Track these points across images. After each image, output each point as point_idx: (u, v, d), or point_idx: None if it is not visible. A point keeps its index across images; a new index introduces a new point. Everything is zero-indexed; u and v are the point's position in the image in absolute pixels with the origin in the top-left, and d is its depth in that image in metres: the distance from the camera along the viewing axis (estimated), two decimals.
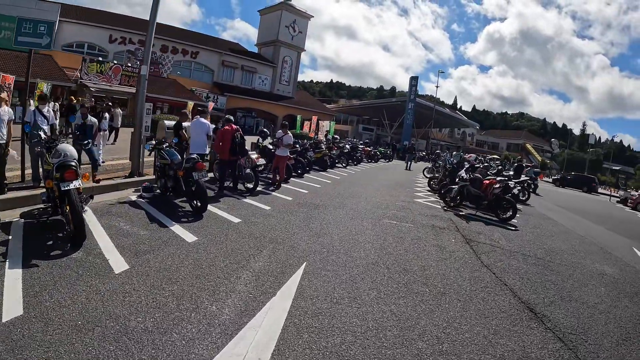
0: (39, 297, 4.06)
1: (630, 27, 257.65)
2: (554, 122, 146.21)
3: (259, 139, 15.06)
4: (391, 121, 70.99)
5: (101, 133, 13.72)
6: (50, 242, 5.77)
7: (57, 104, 19.73)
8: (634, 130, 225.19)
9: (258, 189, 11.51)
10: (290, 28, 58.38)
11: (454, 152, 21.56)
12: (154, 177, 10.36)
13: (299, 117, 38.75)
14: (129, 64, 36.11)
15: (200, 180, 8.15)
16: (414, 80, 63.77)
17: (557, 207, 19.92)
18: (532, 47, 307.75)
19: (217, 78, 52.36)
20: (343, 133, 64.14)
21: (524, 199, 17.74)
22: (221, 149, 10.48)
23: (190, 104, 27.47)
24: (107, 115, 14.78)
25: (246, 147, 11.08)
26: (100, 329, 3.60)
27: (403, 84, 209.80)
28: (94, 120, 10.58)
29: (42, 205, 6.87)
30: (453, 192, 12.84)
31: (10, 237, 5.75)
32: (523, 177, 18.95)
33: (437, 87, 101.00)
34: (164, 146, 9.53)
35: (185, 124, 11.20)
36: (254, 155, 11.43)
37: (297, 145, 17.73)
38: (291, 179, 14.42)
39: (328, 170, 19.72)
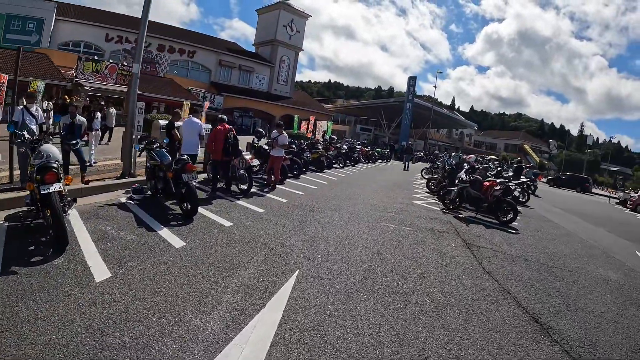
0: (14, 308, 3.80)
1: (629, 28, 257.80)
2: (552, 123, 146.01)
3: (254, 139, 14.78)
4: (389, 121, 70.75)
5: (93, 133, 13.41)
6: (32, 247, 5.48)
7: (50, 103, 19.44)
8: (632, 131, 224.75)
9: (252, 190, 11.21)
10: (288, 27, 58.09)
11: (453, 153, 21.28)
12: (145, 178, 10.05)
13: (296, 117, 38.45)
14: (125, 63, 35.73)
15: (190, 182, 7.83)
16: (412, 81, 63.60)
17: (556, 208, 19.67)
18: (530, 48, 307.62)
19: (214, 77, 52.05)
20: (341, 133, 63.76)
21: (523, 200, 17.49)
22: (214, 149, 10.17)
23: (187, 103, 27.33)
24: (99, 114, 14.46)
25: (240, 147, 10.76)
26: (74, 345, 3.32)
27: (401, 84, 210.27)
28: (83, 119, 10.24)
29: (26, 208, 6.57)
30: (452, 194, 12.55)
31: None
32: (523, 179, 18.71)
33: (435, 87, 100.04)
34: (155, 146, 9.22)
35: (177, 123, 10.90)
36: (247, 155, 11.10)
37: (293, 146, 17.43)
38: (287, 180, 14.12)
39: (325, 171, 19.39)
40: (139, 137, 10.49)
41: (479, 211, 12.20)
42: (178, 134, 10.67)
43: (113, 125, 18.98)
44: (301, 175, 15.97)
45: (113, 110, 18.93)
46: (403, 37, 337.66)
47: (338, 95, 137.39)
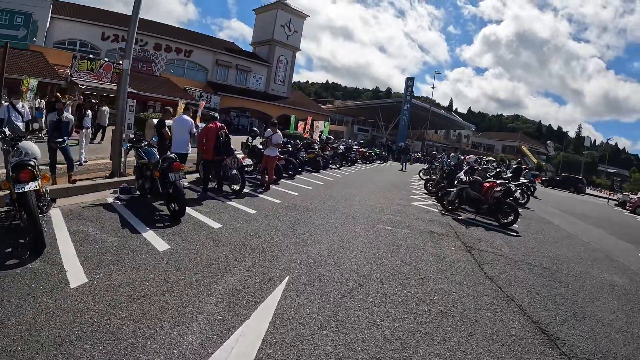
0: None
1: (626, 30, 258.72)
2: (549, 125, 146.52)
3: (248, 138, 14.44)
4: (387, 122, 70.46)
5: (83, 131, 13.08)
6: (9, 250, 5.15)
7: (43, 101, 19.08)
8: (629, 133, 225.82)
9: (245, 190, 10.85)
10: (286, 27, 57.79)
11: (452, 154, 20.93)
12: (134, 177, 9.69)
13: (293, 117, 38.08)
14: (121, 62, 35.22)
15: (177, 181, 7.46)
16: (410, 81, 63.19)
17: (556, 210, 19.36)
18: (528, 49, 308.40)
19: (211, 77, 51.73)
20: (338, 134, 63.39)
21: (523, 202, 17.17)
22: (205, 148, 9.81)
23: (182, 102, 26.96)
24: (89, 112, 14.12)
25: (232, 146, 10.40)
26: (39, 358, 2.99)
27: (399, 86, 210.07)
28: (70, 117, 9.86)
29: (6, 208, 6.26)
30: (451, 195, 12.20)
31: None
32: (522, 180, 18.40)
33: (433, 88, 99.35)
34: (143, 145, 8.86)
35: (168, 122, 10.54)
36: (240, 154, 10.75)
37: (289, 145, 17.08)
38: (281, 180, 13.73)
39: (321, 171, 19.05)
40: (130, 136, 10.14)
41: (478, 213, 11.86)
42: (169, 133, 10.30)
43: (106, 124, 18.62)
44: (296, 176, 15.60)
45: (106, 108, 18.57)
46: (401, 38, 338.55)
47: (336, 96, 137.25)
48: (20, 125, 8.77)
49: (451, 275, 6.28)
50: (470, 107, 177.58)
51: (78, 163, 11.82)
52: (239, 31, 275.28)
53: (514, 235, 10.38)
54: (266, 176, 12.06)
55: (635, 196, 30.57)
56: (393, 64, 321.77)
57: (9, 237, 5.58)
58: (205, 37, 57.80)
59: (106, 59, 34.90)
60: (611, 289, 7.05)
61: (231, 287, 4.70)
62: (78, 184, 9.18)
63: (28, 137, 6.50)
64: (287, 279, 5.16)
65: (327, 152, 21.72)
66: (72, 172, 9.44)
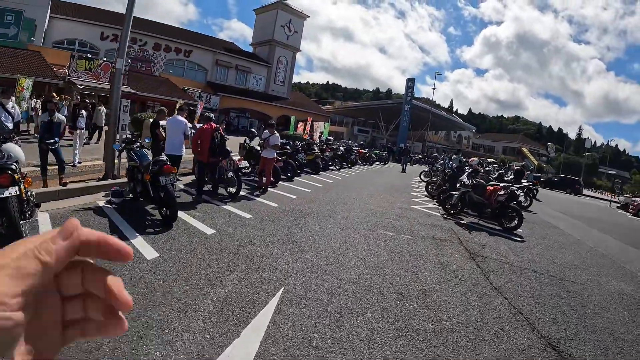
0: None
1: (627, 32, 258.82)
2: (550, 126, 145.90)
3: (245, 139, 14.13)
4: (387, 123, 70.16)
5: (78, 132, 12.77)
6: None
7: (39, 100, 18.81)
8: (629, 134, 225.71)
9: (242, 193, 10.55)
10: (286, 28, 57.51)
11: (453, 156, 20.50)
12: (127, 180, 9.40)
13: (292, 118, 37.76)
14: None
15: (168, 185, 7.14)
16: (410, 82, 62.92)
17: (559, 213, 19.03)
18: (529, 51, 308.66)
19: (210, 77, 51.44)
20: (338, 135, 63.15)
21: (526, 205, 16.87)
22: (200, 149, 9.49)
23: (180, 102, 26.65)
24: (83, 112, 13.80)
25: (228, 148, 10.10)
26: None
27: (399, 87, 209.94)
28: (62, 117, 9.56)
29: None
30: (454, 198, 11.88)
31: None
32: (524, 182, 18.10)
33: (434, 89, 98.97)
34: (135, 146, 8.55)
35: (163, 122, 10.24)
36: (236, 156, 10.44)
37: (287, 147, 16.76)
38: (279, 182, 13.41)
39: (320, 173, 18.72)
40: (124, 136, 9.84)
41: (481, 217, 11.56)
42: (163, 134, 10.00)
43: (103, 124, 18.31)
44: (295, 178, 15.28)
45: (103, 108, 18.25)
46: (401, 39, 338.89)
47: (336, 97, 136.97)
48: (10, 125, 8.47)
49: (455, 286, 5.97)
50: (470, 109, 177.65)
51: (72, 164, 11.57)
52: (239, 32, 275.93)
53: (518, 241, 10.08)
54: (264, 178, 11.74)
55: (638, 199, 30.29)
56: (393, 65, 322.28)
57: None
58: (205, 37, 57.52)
59: (104, 59, 34.59)
60: (620, 298, 6.75)
61: (221, 301, 4.39)
62: (69, 186, 8.88)
63: (15, 138, 6.23)
64: (281, 291, 4.84)
65: (327, 154, 21.43)
66: (64, 175, 9.16)
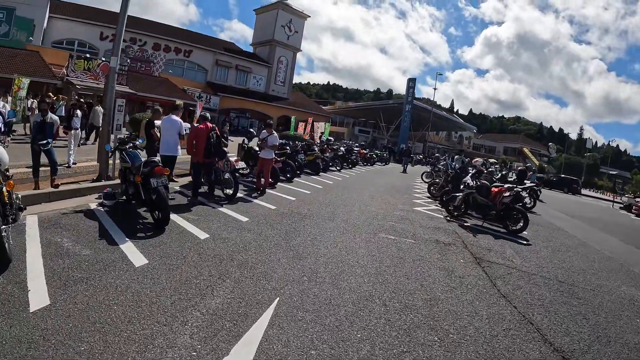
0: None
1: (628, 32, 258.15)
2: (551, 127, 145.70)
3: (244, 139, 13.84)
4: (388, 124, 69.90)
5: (72, 132, 12.48)
6: None
7: (35, 100, 18.54)
8: (630, 134, 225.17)
9: (239, 195, 10.25)
10: (286, 28, 57.28)
11: (456, 156, 20.15)
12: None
13: (293, 118, 37.50)
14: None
15: (159, 187, 6.83)
16: (411, 82, 62.63)
17: (562, 214, 18.72)
18: (529, 51, 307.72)
19: (210, 77, 51.25)
20: (339, 135, 62.91)
21: (530, 206, 16.53)
22: (195, 149, 9.17)
23: (179, 102, 26.35)
24: (78, 112, 13.51)
25: (225, 149, 9.79)
26: None
27: (400, 87, 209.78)
28: (55, 117, 9.24)
29: None
30: (457, 200, 11.55)
31: None
32: (528, 183, 17.76)
33: (435, 89, 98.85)
34: (127, 146, 8.24)
35: (157, 122, 9.94)
36: (233, 157, 10.13)
37: (287, 147, 16.45)
38: (278, 184, 13.11)
39: (321, 174, 18.41)
40: (119, 137, 9.55)
41: (486, 219, 11.24)
42: (158, 134, 9.69)
43: (100, 124, 18.00)
44: (295, 179, 14.97)
45: (100, 108, 17.90)
46: (402, 39, 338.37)
47: (337, 97, 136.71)
48: (1, 125, 8.19)
49: (462, 294, 5.64)
50: (471, 109, 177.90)
51: (66, 165, 11.33)
52: (240, 32, 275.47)
53: (524, 244, 9.75)
54: (262, 180, 11.44)
55: None
56: (394, 65, 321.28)
57: None
58: (205, 37, 57.31)
59: (103, 59, 34.33)
60: (631, 304, 6.45)
61: (211, 313, 4.07)
62: (62, 188, 8.64)
63: (1, 139, 5.95)
64: (276, 301, 4.52)
65: (327, 154, 21.12)
66: (56, 176, 8.87)
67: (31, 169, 8.75)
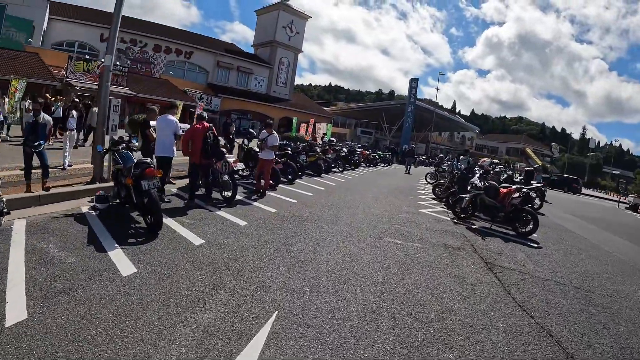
0: None
1: (629, 31, 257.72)
2: (553, 127, 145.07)
3: (243, 140, 13.47)
4: (390, 124, 69.57)
5: (67, 133, 12.13)
6: None
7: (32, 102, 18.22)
8: (632, 134, 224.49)
9: (238, 197, 9.88)
10: (288, 29, 57.10)
11: (461, 157, 19.69)
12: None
13: (294, 119, 37.20)
14: (118, 63, 34.61)
15: (151, 190, 6.45)
16: (413, 82, 62.19)
17: (569, 215, 18.32)
18: (531, 51, 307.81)
19: (211, 79, 51.04)
20: (341, 136, 62.58)
21: (537, 207, 16.13)
22: (191, 150, 8.78)
23: (179, 103, 26.05)
24: (74, 113, 13.14)
25: (222, 149, 9.40)
26: None
27: (402, 88, 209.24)
28: (48, 118, 8.86)
29: None
30: (464, 202, 11.14)
31: None
32: (534, 184, 17.36)
33: (437, 89, 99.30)
34: (120, 147, 7.86)
35: (153, 122, 9.56)
36: (231, 158, 9.75)
37: (288, 148, 16.07)
38: (279, 185, 12.70)
39: (323, 175, 17.99)
40: (118, 138, 9.17)
41: (494, 221, 10.84)
42: (154, 134, 9.31)
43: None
44: (296, 180, 14.56)
45: (97, 109, 17.63)
46: (404, 40, 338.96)
47: (339, 99, 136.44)
48: None
49: (475, 303, 5.23)
50: (473, 109, 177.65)
51: (62, 167, 10.98)
52: (241, 34, 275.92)
53: (534, 247, 9.36)
54: (262, 181, 11.05)
55: None
56: (396, 66, 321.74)
57: None
58: (206, 38, 57.11)
59: (102, 60, 34.05)
60: None
61: (201, 330, 3.67)
62: (53, 191, 8.29)
63: None
64: (274, 316, 4.12)
65: (329, 155, 20.70)
66: (47, 179, 8.50)
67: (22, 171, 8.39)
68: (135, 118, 10.32)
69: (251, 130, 14.88)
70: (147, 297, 4.22)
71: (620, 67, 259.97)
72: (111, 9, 10.21)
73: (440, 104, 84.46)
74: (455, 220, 11.16)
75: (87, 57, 33.27)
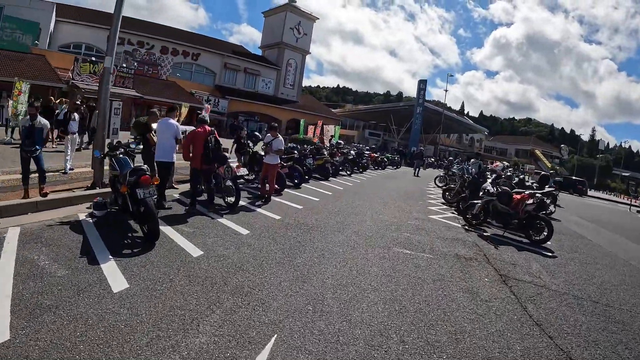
0: None
1: (638, 31, 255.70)
2: (562, 128, 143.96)
3: (248, 143, 13.17)
4: (398, 126, 69.21)
5: (69, 137, 11.89)
6: None
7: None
8: None
9: (242, 203, 9.60)
10: (295, 30, 56.94)
11: (472, 160, 19.20)
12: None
13: (302, 121, 36.92)
14: (124, 65, 34.54)
15: (147, 198, 6.14)
16: (422, 84, 61.75)
17: (581, 219, 17.84)
18: (539, 52, 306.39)
19: (218, 81, 50.94)
20: (349, 138, 62.32)
21: (550, 212, 15.71)
22: (192, 155, 8.46)
23: (185, 106, 25.81)
24: (75, 115, 12.91)
25: (225, 154, 9.10)
26: None
27: (410, 90, 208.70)
28: (45, 122, 8.59)
29: None
30: (476, 208, 10.76)
31: None
32: (547, 188, 16.95)
33: (446, 91, 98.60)
34: (118, 152, 7.57)
35: (154, 126, 9.28)
36: (234, 163, 9.44)
37: (295, 151, 15.75)
38: (285, 190, 12.40)
39: (330, 179, 17.67)
40: (115, 142, 8.90)
41: (507, 228, 10.46)
42: (154, 138, 9.01)
43: None
44: (303, 185, 14.23)
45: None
46: (411, 42, 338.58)
47: (347, 101, 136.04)
48: None
49: (490, 323, 4.87)
50: (482, 111, 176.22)
51: (63, 171, 10.75)
52: (249, 36, 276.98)
53: (549, 256, 8.97)
54: (267, 186, 10.74)
55: None
56: (404, 68, 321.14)
57: None
58: (213, 40, 57.08)
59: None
60: None
61: (192, 356, 3.35)
62: (53, 196, 8.08)
63: None
64: (273, 339, 3.78)
65: (337, 158, 20.38)
66: (44, 185, 8.25)
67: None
68: (141, 120, 10.07)
69: (256, 133, 14.51)
70: (136, 317, 3.91)
71: (630, 68, 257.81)
72: (124, 13, 10.01)
73: (448, 105, 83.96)
74: (466, 227, 10.79)
75: (94, 59, 33.20)
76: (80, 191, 8.90)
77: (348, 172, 21.50)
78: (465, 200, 11.93)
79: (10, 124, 16.33)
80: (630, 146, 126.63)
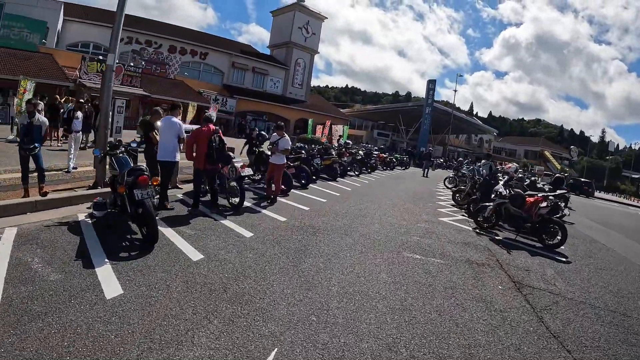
0: None
1: None
2: (571, 129, 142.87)
3: (255, 142, 12.93)
4: (407, 127, 68.84)
5: (72, 135, 11.72)
6: None
7: (42, 102, 17.92)
8: None
9: (247, 204, 9.37)
10: (304, 29, 56.80)
11: (483, 161, 18.81)
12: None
13: (310, 121, 36.72)
14: (132, 64, 34.50)
15: (145, 200, 5.90)
16: (431, 84, 61.29)
17: (593, 223, 17.46)
18: (548, 52, 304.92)
19: (226, 80, 50.89)
20: (358, 138, 62.10)
21: (564, 215, 15.36)
22: (196, 154, 8.22)
23: (193, 105, 25.69)
24: (79, 114, 12.73)
25: (230, 153, 8.85)
26: None
27: (418, 90, 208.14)
28: (43, 119, 8.40)
29: None
30: (487, 211, 10.46)
31: None
32: (559, 191, 16.60)
33: (455, 91, 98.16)
34: (118, 152, 7.34)
35: (158, 124, 9.05)
36: (238, 163, 9.19)
37: (302, 151, 15.50)
38: (292, 190, 12.15)
39: (338, 179, 17.40)
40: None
41: (519, 232, 10.15)
42: (157, 137, 8.78)
43: None
44: (310, 185, 13.98)
45: None
46: (420, 41, 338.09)
47: (355, 100, 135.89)
48: None
49: (505, 336, 4.57)
50: (490, 112, 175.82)
51: (66, 170, 10.59)
52: (257, 35, 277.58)
53: (563, 262, 8.64)
54: (273, 187, 10.50)
55: None
56: (412, 68, 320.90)
57: None
58: (221, 39, 57.03)
59: (117, 61, 33.93)
60: None
61: None
62: (53, 195, 7.92)
63: None
64: (273, 354, 3.52)
65: (345, 159, 20.09)
66: (44, 184, 8.09)
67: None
68: (147, 119, 9.88)
69: (262, 132, 14.24)
70: (128, 327, 3.67)
71: None
72: (126, 10, 9.86)
73: (457, 105, 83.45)
74: (477, 231, 10.48)
75: (101, 57, 33.17)
76: (82, 191, 8.73)
77: (356, 173, 21.21)
78: (476, 203, 11.63)
79: (16, 121, 16.28)
80: None
